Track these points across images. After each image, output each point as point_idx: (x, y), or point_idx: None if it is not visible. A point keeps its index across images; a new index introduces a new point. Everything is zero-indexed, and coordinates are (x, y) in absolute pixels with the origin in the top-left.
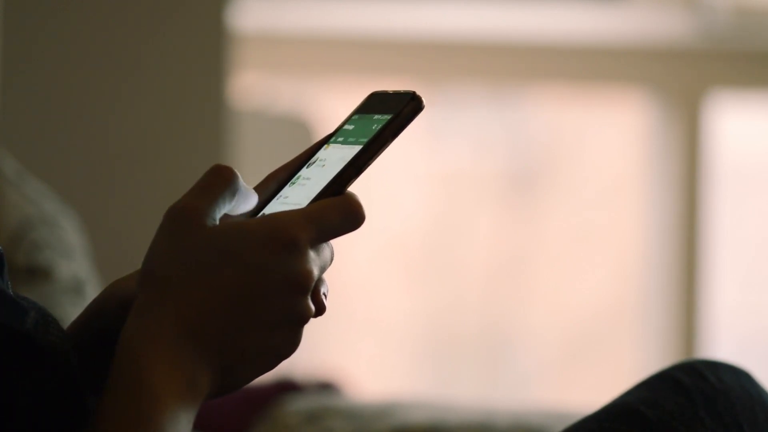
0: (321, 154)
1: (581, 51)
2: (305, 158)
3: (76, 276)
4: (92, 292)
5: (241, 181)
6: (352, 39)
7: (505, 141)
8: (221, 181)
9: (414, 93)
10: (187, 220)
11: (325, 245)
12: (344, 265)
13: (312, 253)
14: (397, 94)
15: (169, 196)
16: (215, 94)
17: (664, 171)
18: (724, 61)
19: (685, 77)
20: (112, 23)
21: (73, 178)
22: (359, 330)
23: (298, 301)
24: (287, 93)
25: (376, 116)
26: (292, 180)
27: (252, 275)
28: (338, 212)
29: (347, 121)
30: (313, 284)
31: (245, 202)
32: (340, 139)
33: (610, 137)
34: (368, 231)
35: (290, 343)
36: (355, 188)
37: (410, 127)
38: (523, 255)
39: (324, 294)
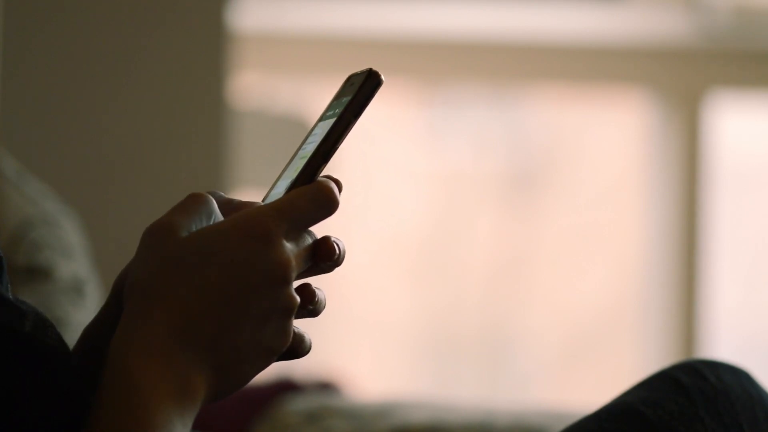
0: (309, 139)
1: (581, 51)
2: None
3: (76, 276)
4: (92, 292)
5: (217, 208)
6: (352, 39)
7: (505, 141)
8: (196, 203)
9: (370, 70)
10: (164, 233)
11: (305, 234)
12: (344, 265)
13: (288, 244)
14: (360, 74)
15: (169, 196)
16: (215, 94)
17: (664, 171)
18: (724, 61)
19: (685, 77)
20: (111, 23)
21: (73, 178)
22: (359, 330)
23: (280, 291)
24: (287, 93)
25: (344, 99)
26: (284, 170)
27: (232, 272)
28: (308, 200)
29: (329, 107)
30: (293, 273)
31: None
32: (320, 125)
33: (610, 137)
34: (368, 231)
35: (281, 336)
36: (356, 188)
37: (372, 104)
38: (523, 255)
39: (314, 288)
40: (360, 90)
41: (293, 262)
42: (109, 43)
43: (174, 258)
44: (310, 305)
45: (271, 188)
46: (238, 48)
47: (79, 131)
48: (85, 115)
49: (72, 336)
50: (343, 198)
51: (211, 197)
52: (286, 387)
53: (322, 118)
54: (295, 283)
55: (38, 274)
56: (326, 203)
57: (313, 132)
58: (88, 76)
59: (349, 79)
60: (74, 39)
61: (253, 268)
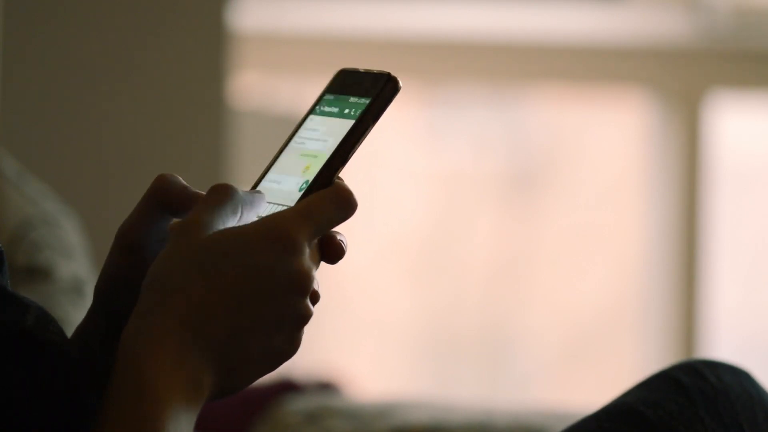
0: (303, 133)
1: (581, 51)
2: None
3: (76, 276)
4: (92, 292)
5: (241, 192)
6: (352, 39)
7: (505, 141)
8: (219, 197)
9: (389, 74)
10: (189, 231)
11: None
12: (344, 265)
13: (309, 252)
14: (370, 75)
15: None
16: (215, 94)
17: (664, 171)
18: (724, 61)
19: (685, 77)
20: (112, 23)
21: (73, 178)
22: (359, 330)
23: (298, 301)
24: (287, 93)
25: (352, 99)
26: (274, 161)
27: (254, 277)
28: (331, 204)
29: (320, 100)
30: (312, 284)
31: (252, 208)
32: (319, 120)
33: (610, 137)
34: (368, 231)
35: (292, 344)
36: (356, 188)
37: (389, 111)
38: (523, 255)
39: (315, 288)
40: (380, 94)
41: (313, 273)
42: (109, 43)
43: (196, 256)
44: (314, 305)
45: (261, 179)
46: (238, 48)
47: (79, 131)
48: (85, 115)
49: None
50: None
51: (236, 189)
52: (286, 387)
53: (317, 113)
54: None
55: (38, 274)
56: (347, 207)
57: (307, 126)
58: (88, 76)
59: (348, 75)
60: (74, 39)
61: (276, 275)
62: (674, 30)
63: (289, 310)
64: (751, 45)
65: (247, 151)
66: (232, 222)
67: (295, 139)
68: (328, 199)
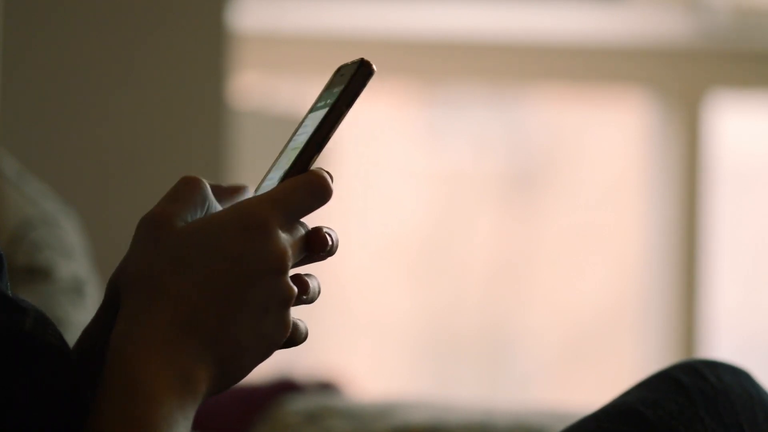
0: (299, 130)
1: (581, 51)
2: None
3: (76, 276)
4: (92, 292)
5: (211, 192)
6: (352, 39)
7: (505, 141)
8: (190, 189)
9: (362, 60)
10: (159, 224)
11: (299, 226)
12: (344, 265)
13: (283, 234)
14: (349, 64)
15: None
16: (215, 94)
17: (664, 171)
18: (724, 61)
19: (685, 77)
20: (112, 23)
21: (73, 178)
22: (359, 330)
23: (277, 281)
24: (287, 93)
25: (335, 89)
26: (275, 162)
27: (232, 265)
28: (302, 189)
29: (319, 98)
30: (289, 263)
31: (227, 200)
32: (311, 116)
33: (610, 137)
34: (368, 231)
35: (280, 327)
36: (356, 188)
37: (372, 104)
38: (523, 255)
39: (310, 282)
40: (352, 79)
41: (289, 252)
42: (109, 43)
43: (174, 251)
44: (305, 295)
45: (263, 180)
46: (238, 48)
47: (79, 131)
48: (85, 115)
49: (72, 336)
50: (343, 198)
51: (204, 181)
52: (286, 387)
53: (312, 110)
54: (291, 272)
55: (38, 274)
56: (320, 192)
57: (304, 123)
58: (88, 76)
59: (339, 70)
60: (74, 39)
61: (251, 259)
62: (674, 30)
63: (269, 292)
64: (751, 45)
65: (247, 151)
66: (200, 214)
67: (293, 137)
68: (299, 184)
